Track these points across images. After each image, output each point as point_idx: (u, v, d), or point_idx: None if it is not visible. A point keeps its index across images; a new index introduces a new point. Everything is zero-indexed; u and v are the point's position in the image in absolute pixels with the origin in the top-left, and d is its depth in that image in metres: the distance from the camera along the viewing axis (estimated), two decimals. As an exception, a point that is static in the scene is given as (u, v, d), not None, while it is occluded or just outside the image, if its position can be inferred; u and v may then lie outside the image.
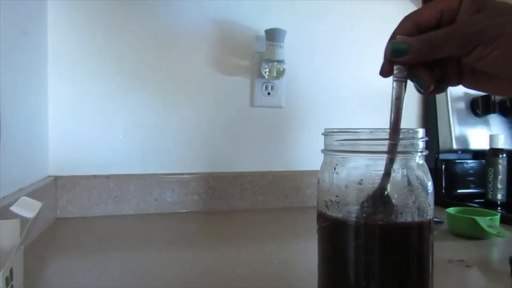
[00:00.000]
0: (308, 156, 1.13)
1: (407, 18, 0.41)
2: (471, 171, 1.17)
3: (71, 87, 0.95)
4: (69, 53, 0.95)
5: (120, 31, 0.98)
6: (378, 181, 0.40)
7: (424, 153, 0.41)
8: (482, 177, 1.11)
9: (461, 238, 0.81)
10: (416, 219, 0.40)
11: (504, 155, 1.06)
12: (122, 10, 0.98)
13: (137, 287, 0.56)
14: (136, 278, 0.59)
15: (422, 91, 0.40)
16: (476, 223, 0.78)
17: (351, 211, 0.40)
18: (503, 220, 0.84)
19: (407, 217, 0.40)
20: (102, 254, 0.70)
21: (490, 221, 0.79)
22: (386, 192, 0.39)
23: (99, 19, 0.96)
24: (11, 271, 0.37)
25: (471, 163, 1.18)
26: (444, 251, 0.72)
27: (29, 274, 0.46)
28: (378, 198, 0.40)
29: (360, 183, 0.40)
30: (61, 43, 0.94)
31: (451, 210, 0.86)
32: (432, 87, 0.40)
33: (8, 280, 0.37)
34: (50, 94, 0.94)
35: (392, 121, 0.40)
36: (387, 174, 0.39)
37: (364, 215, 0.39)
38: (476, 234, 0.79)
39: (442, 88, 0.42)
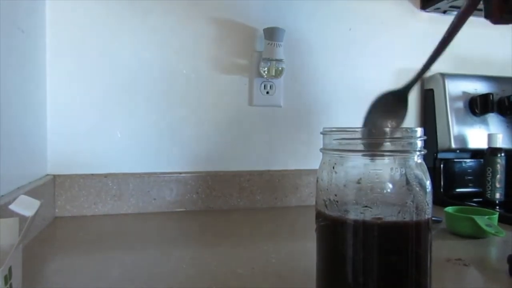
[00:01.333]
0: (306, 155, 1.13)
1: None
2: (469, 170, 1.17)
3: (69, 86, 0.95)
4: (67, 52, 0.95)
5: (118, 30, 0.98)
6: (377, 180, 0.40)
7: (422, 152, 0.41)
8: (480, 176, 1.11)
9: (459, 237, 0.81)
10: (415, 218, 0.40)
11: (503, 154, 1.07)
12: (120, 9, 0.98)
13: (136, 286, 0.56)
14: (135, 277, 0.59)
15: (488, 16, 0.43)
16: (474, 222, 0.78)
17: (349, 210, 0.41)
18: (501, 219, 0.84)
19: (405, 216, 0.40)
20: (101, 253, 0.70)
21: (488, 220, 0.79)
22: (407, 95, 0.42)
23: (97, 17, 0.96)
24: (10, 269, 0.37)
25: (469, 162, 1.18)
26: (442, 250, 0.72)
27: (28, 272, 0.46)
28: (397, 95, 0.42)
29: (358, 182, 0.41)
30: (59, 42, 0.94)
31: (449, 209, 0.86)
32: (500, 16, 0.44)
33: (7, 278, 0.37)
34: (48, 92, 0.94)
35: (450, 28, 0.42)
36: (421, 74, 0.41)
37: (362, 214, 0.40)
38: (474, 233, 0.79)
39: None
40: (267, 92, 1.09)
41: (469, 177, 1.17)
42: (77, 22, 0.95)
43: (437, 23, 1.21)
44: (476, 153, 1.18)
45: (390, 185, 0.40)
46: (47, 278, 0.59)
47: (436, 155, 1.16)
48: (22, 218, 0.42)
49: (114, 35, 0.98)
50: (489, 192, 1.07)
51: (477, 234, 0.79)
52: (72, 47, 0.95)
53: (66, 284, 0.56)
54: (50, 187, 0.91)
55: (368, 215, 0.40)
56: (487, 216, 0.80)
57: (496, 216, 0.82)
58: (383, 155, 0.40)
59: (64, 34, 0.95)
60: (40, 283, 0.56)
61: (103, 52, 0.97)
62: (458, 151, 1.15)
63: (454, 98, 1.16)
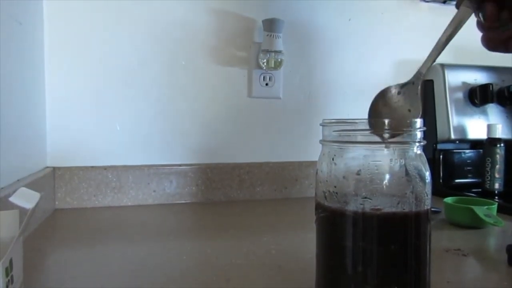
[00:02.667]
0: (306, 147, 1.13)
1: None
2: (468, 161, 1.18)
3: (68, 78, 0.95)
4: (65, 44, 0.94)
5: (116, 21, 0.97)
6: (376, 171, 0.40)
7: (422, 143, 0.41)
8: (479, 167, 1.11)
9: (458, 227, 0.81)
10: (414, 209, 0.40)
11: (502, 144, 1.07)
12: (119, 0, 0.97)
13: (136, 278, 0.56)
14: (135, 269, 0.59)
15: (483, 22, 0.45)
16: (473, 212, 0.78)
17: (349, 202, 0.41)
18: (500, 210, 0.85)
19: (405, 207, 0.40)
20: (101, 245, 0.70)
21: (487, 211, 0.79)
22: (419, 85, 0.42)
23: (95, 9, 0.96)
24: (10, 261, 0.37)
25: (468, 153, 1.18)
26: (441, 240, 0.73)
27: (28, 264, 0.46)
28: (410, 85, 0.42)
29: (358, 174, 0.41)
30: (57, 34, 0.94)
31: (448, 199, 0.86)
32: (493, 23, 0.47)
33: (8, 270, 0.37)
34: (47, 85, 0.94)
35: (444, 37, 0.44)
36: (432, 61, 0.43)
37: (362, 205, 0.40)
38: (473, 224, 0.80)
39: (508, 26, 0.48)
40: (266, 84, 1.09)
41: (469, 168, 1.17)
42: (75, 13, 0.94)
43: (437, 13, 1.20)
44: (475, 144, 1.18)
45: (390, 176, 0.40)
46: (47, 270, 0.59)
47: (436, 146, 1.16)
48: (22, 211, 0.42)
49: (113, 26, 0.97)
50: (488, 182, 1.07)
51: (476, 224, 0.80)
52: (70, 39, 0.95)
53: (67, 275, 0.56)
54: (50, 179, 0.91)
55: (367, 206, 0.40)
56: (486, 207, 0.80)
57: (495, 206, 0.82)
58: (382, 147, 0.40)
59: (62, 26, 0.94)
60: (40, 275, 0.57)
61: (102, 44, 0.97)
62: (457, 141, 1.15)
63: (454, 89, 1.16)
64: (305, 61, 1.13)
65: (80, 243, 0.71)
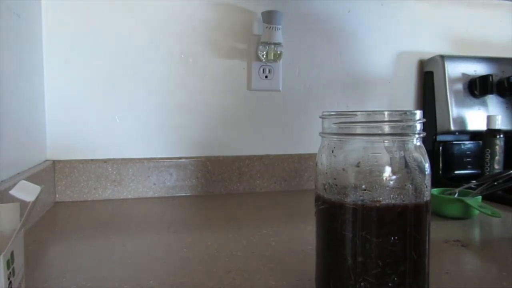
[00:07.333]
0: (305, 139, 1.13)
1: None
2: (468, 152, 1.18)
3: (67, 71, 0.95)
4: (64, 36, 0.94)
5: (115, 14, 0.97)
6: (376, 163, 0.40)
7: (421, 135, 0.41)
8: (479, 158, 1.12)
9: (446, 218, 0.81)
10: (414, 200, 0.40)
11: (501, 135, 1.07)
12: (117, -8, 0.96)
13: (137, 270, 0.56)
14: (136, 261, 0.59)
15: None
16: (465, 204, 0.78)
17: (349, 194, 0.41)
18: (499, 200, 0.85)
19: (404, 199, 0.40)
20: (102, 238, 0.70)
21: (480, 202, 0.79)
22: None
23: (93, 1, 0.95)
24: (12, 254, 0.38)
25: (468, 144, 1.18)
26: (438, 231, 0.73)
27: (29, 257, 0.46)
28: None
29: (357, 166, 0.41)
30: (55, 26, 0.93)
31: (434, 191, 0.86)
32: None
33: (9, 263, 0.37)
34: (46, 78, 0.94)
35: None
36: None
37: (361, 197, 0.40)
38: (462, 215, 0.80)
39: None
40: (266, 77, 1.08)
41: (468, 159, 1.17)
42: (73, 6, 0.94)
43: (437, 4, 1.20)
44: (475, 135, 1.18)
45: (389, 168, 0.40)
46: (48, 263, 0.60)
47: (435, 137, 1.16)
48: (23, 204, 0.42)
49: (111, 19, 0.97)
50: (488, 173, 1.07)
51: (465, 216, 0.80)
52: (69, 32, 0.94)
53: (67, 268, 0.57)
54: (50, 172, 0.92)
55: (367, 198, 0.40)
56: (475, 198, 0.80)
57: (480, 197, 0.82)
58: (381, 139, 0.40)
59: (60, 18, 0.93)
60: (42, 268, 0.57)
61: (100, 37, 0.96)
62: (457, 133, 1.15)
63: (454, 80, 1.15)
64: (305, 53, 1.13)
65: (80, 235, 0.72)
